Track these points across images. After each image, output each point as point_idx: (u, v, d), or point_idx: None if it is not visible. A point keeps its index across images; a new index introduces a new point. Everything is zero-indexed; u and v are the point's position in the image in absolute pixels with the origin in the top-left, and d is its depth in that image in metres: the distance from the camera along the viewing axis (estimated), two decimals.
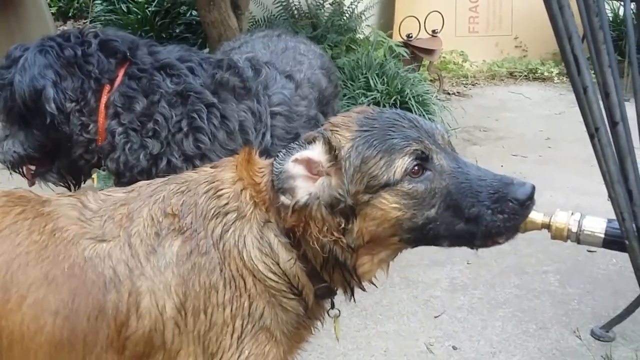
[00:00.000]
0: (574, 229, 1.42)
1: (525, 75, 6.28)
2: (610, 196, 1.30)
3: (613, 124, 1.22)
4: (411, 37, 5.83)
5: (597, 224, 1.40)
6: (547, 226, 1.44)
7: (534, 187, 1.33)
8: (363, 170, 1.32)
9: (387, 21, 6.27)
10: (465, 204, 1.32)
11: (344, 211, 1.34)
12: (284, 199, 1.35)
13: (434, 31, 5.93)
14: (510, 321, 2.78)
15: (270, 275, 1.43)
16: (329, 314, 1.61)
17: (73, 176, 2.43)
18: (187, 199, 1.46)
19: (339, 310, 1.61)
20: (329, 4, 5.67)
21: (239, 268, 1.41)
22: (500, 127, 5.30)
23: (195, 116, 2.24)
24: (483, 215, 1.32)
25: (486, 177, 1.34)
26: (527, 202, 1.33)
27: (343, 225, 1.35)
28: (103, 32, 2.35)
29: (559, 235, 1.43)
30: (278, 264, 1.43)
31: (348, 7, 5.66)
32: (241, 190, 1.45)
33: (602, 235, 1.39)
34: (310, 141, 1.38)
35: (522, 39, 6.69)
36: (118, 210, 1.48)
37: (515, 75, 6.29)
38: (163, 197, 1.48)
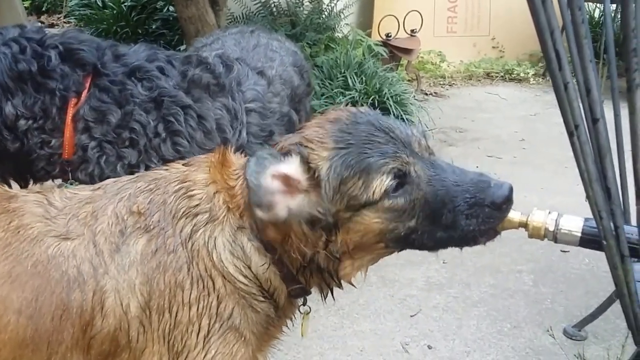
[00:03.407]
0: (551, 228, 1.42)
1: (502, 76, 6.35)
2: (587, 195, 1.30)
3: (593, 121, 1.21)
4: (390, 36, 5.84)
5: (575, 223, 1.40)
6: (524, 225, 1.44)
7: (511, 189, 1.33)
8: (342, 190, 1.31)
9: (366, 20, 6.27)
10: (441, 212, 1.33)
11: (326, 226, 1.34)
12: (260, 213, 1.32)
13: (412, 31, 5.94)
14: (485, 320, 2.80)
15: (241, 278, 1.41)
16: (300, 311, 1.60)
17: (19, 182, 2.28)
18: (155, 197, 1.43)
19: (310, 308, 1.60)
20: (308, 2, 5.65)
21: (208, 268, 1.39)
22: (476, 128, 5.34)
23: (172, 120, 2.16)
24: (458, 221, 1.32)
25: (463, 181, 1.33)
26: (504, 206, 1.33)
27: (326, 238, 1.34)
28: (65, 38, 2.18)
29: (536, 234, 1.43)
30: (250, 268, 1.41)
31: (327, 6, 5.65)
32: (214, 194, 1.42)
33: (579, 234, 1.40)
34: (285, 154, 1.35)
35: (499, 40, 6.75)
36: (83, 209, 1.46)
37: (492, 76, 6.35)
38: (129, 195, 1.45)
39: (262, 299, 1.45)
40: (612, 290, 2.58)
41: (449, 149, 4.83)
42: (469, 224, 1.32)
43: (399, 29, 5.92)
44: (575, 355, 2.55)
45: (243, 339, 1.44)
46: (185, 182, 1.45)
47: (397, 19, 5.92)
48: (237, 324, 1.42)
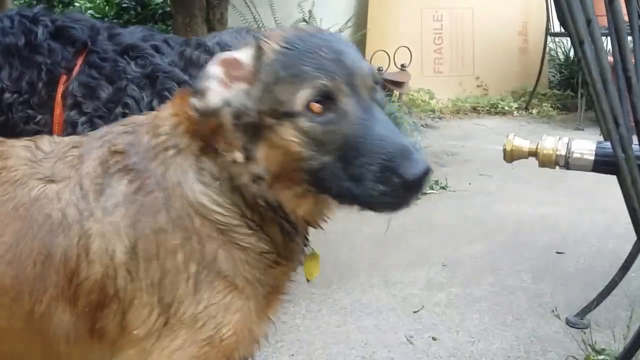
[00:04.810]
0: (563, 153, 1.38)
1: (488, 110, 6.63)
2: (597, 109, 1.27)
3: (610, 1, 1.19)
4: (382, 70, 6.04)
5: (586, 146, 1.36)
6: (534, 153, 1.42)
7: (427, 171, 1.18)
8: (271, 90, 1.25)
9: None
10: (354, 161, 1.20)
11: (248, 128, 1.26)
12: (195, 100, 1.26)
13: (402, 65, 6.16)
14: (487, 314, 2.81)
15: (216, 207, 1.31)
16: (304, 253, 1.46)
17: None
18: (132, 138, 1.39)
19: (313, 249, 1.48)
20: None
21: (184, 206, 1.30)
22: (466, 152, 5.51)
23: (168, 94, 2.12)
24: (365, 180, 1.20)
25: (388, 140, 1.20)
26: (413, 185, 1.18)
27: (246, 145, 1.27)
28: (60, 16, 2.20)
29: (547, 161, 1.40)
30: (221, 193, 1.31)
31: None
32: (176, 125, 1.37)
33: (592, 157, 1.35)
34: (242, 48, 1.31)
35: (483, 79, 7.05)
36: (70, 152, 1.41)
37: (478, 110, 6.62)
38: (111, 138, 1.41)
39: (248, 231, 1.32)
40: (611, 278, 2.64)
41: (441, 169, 4.94)
42: (374, 187, 1.19)
43: (389, 64, 6.13)
44: (579, 341, 2.55)
45: (235, 288, 1.31)
46: (154, 121, 1.42)
47: (387, 54, 6.15)
48: (223, 270, 1.30)
